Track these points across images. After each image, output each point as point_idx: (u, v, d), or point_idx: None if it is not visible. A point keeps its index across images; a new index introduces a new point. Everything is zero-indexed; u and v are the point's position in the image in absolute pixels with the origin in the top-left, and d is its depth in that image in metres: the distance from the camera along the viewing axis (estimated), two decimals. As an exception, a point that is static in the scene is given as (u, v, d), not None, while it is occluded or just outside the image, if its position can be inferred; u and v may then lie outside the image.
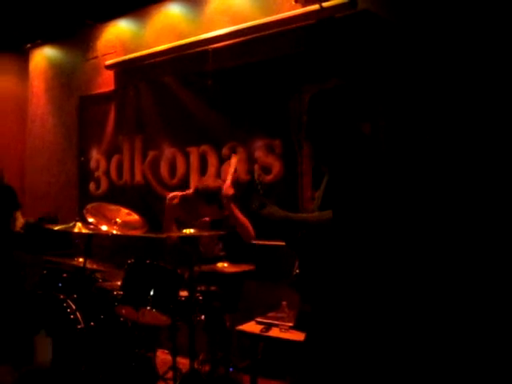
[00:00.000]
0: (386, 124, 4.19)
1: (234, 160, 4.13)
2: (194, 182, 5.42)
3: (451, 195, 3.85)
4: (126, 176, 6.19)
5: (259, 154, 4.98)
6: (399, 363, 2.46)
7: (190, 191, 4.29)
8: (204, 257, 4.08)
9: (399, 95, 4.16)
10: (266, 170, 4.88)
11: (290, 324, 3.93)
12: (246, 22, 5.04)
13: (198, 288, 3.87)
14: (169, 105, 5.76)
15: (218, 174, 5.26)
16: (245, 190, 3.55)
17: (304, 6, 4.58)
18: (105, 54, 6.46)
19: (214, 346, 4.03)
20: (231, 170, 3.99)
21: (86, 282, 4.24)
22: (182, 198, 4.24)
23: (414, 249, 3.74)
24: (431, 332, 3.70)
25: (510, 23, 3.70)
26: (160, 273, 3.75)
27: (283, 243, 2.61)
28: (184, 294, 3.75)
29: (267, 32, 4.91)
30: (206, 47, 5.35)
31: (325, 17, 4.49)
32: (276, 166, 4.86)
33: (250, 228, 4.01)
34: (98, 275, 4.49)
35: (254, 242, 4.10)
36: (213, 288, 3.99)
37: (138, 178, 6.07)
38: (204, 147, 5.41)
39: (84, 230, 4.15)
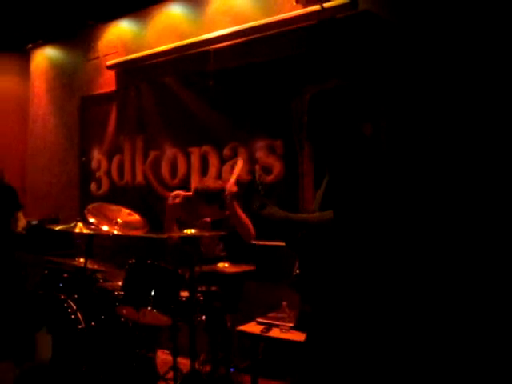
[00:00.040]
0: (388, 125, 4.19)
1: (239, 163, 4.13)
2: (195, 182, 5.42)
3: (452, 196, 3.84)
4: (127, 176, 6.19)
5: (260, 154, 4.98)
6: (399, 363, 2.46)
7: (191, 193, 4.30)
8: (205, 257, 4.08)
9: (401, 96, 4.15)
10: (267, 170, 4.88)
11: (291, 324, 3.93)
12: (247, 22, 5.04)
13: (199, 288, 3.87)
14: (170, 105, 5.77)
15: (219, 175, 5.26)
16: (245, 189, 3.53)
17: (305, 6, 4.58)
18: (106, 55, 6.46)
19: (214, 346, 4.03)
20: (236, 170, 3.97)
21: (87, 282, 4.24)
22: (185, 198, 4.24)
23: (414, 250, 3.74)
24: (432, 332, 3.70)
25: None
26: (161, 273, 3.76)
27: (283, 244, 2.61)
28: (185, 294, 3.75)
29: (268, 32, 4.92)
30: (208, 48, 5.36)
31: (326, 17, 4.49)
32: (277, 167, 4.86)
33: (251, 228, 4.01)
34: (99, 275, 4.49)
35: (255, 242, 4.11)
36: (213, 288, 4.00)
37: (139, 178, 6.07)
38: (205, 147, 5.41)
39: (85, 231, 4.15)
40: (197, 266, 3.70)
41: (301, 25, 4.70)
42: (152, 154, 5.94)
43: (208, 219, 4.32)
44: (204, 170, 5.43)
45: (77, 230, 4.13)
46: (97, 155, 6.54)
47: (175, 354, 3.96)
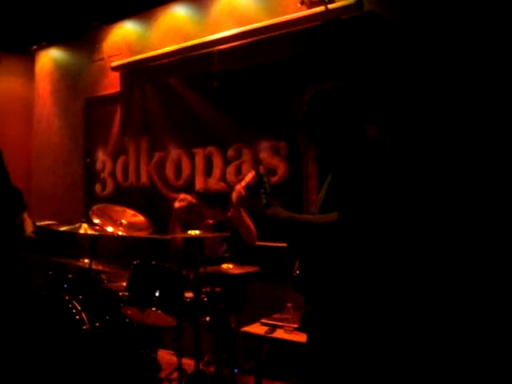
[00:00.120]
0: (393, 127, 4.19)
1: (252, 173, 4.12)
2: (199, 183, 5.43)
3: (456, 199, 3.84)
4: (132, 177, 6.20)
5: (264, 155, 4.98)
6: (400, 364, 2.46)
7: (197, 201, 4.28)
8: (208, 258, 4.08)
9: (406, 98, 4.15)
10: (271, 171, 4.88)
11: (295, 325, 3.93)
12: (251, 23, 5.04)
13: (203, 289, 3.88)
14: (174, 106, 5.77)
15: (224, 176, 5.27)
16: (251, 188, 3.53)
17: (309, 7, 4.58)
18: (111, 56, 6.48)
19: (218, 347, 4.03)
20: (249, 176, 3.93)
21: (92, 283, 4.25)
22: (190, 203, 4.24)
23: (418, 252, 3.73)
24: (433, 333, 3.70)
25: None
26: (165, 274, 3.76)
27: (286, 244, 2.61)
28: (189, 295, 3.75)
29: (273, 34, 4.92)
30: (212, 49, 5.36)
31: (330, 18, 4.49)
32: (281, 168, 4.86)
33: (254, 232, 4.02)
34: (104, 276, 4.50)
35: (259, 243, 4.11)
36: (218, 289, 4.00)
37: (144, 179, 6.08)
38: (210, 148, 5.42)
39: (90, 231, 4.16)
40: (201, 267, 3.70)
41: (305, 26, 4.69)
42: (156, 155, 5.95)
43: (210, 221, 4.32)
44: (208, 171, 5.43)
45: (82, 231, 4.14)
46: (101, 156, 6.55)
47: (180, 355, 3.96)
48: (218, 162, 5.35)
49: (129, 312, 3.82)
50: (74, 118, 6.99)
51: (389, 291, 2.41)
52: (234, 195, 3.90)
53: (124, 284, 3.90)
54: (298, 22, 4.72)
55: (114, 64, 6.31)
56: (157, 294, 3.62)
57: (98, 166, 6.58)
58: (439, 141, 3.96)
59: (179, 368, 3.95)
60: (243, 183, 3.78)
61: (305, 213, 2.73)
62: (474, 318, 3.64)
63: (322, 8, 4.44)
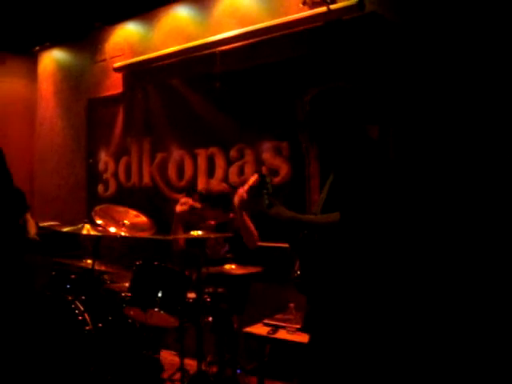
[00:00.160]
0: (395, 127, 4.19)
1: (254, 176, 4.12)
2: (201, 184, 5.43)
3: (458, 200, 3.83)
4: (134, 178, 6.21)
5: (267, 155, 4.99)
6: (402, 364, 2.46)
7: (198, 205, 4.28)
8: (210, 258, 4.09)
9: (408, 98, 4.15)
10: (274, 172, 4.88)
11: (298, 326, 3.93)
12: (253, 24, 5.04)
13: (206, 290, 3.88)
14: (177, 107, 5.78)
15: (226, 176, 5.27)
16: (254, 188, 3.52)
17: (311, 8, 4.58)
18: (113, 57, 6.49)
19: (221, 347, 4.03)
20: (252, 179, 3.93)
21: (95, 284, 4.26)
22: (191, 207, 4.24)
23: (420, 253, 3.73)
24: (436, 333, 3.70)
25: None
26: (168, 274, 3.77)
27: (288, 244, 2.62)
28: (192, 295, 3.76)
29: (275, 34, 4.92)
30: (214, 50, 5.37)
31: (332, 19, 4.49)
32: (284, 169, 4.86)
33: (255, 235, 4.02)
34: (106, 277, 4.51)
35: (262, 243, 4.11)
36: (220, 290, 4.00)
37: (146, 180, 6.09)
38: (212, 149, 5.42)
39: (92, 232, 4.17)
40: (203, 267, 3.71)
41: (307, 26, 4.70)
42: (159, 156, 5.96)
43: (212, 222, 4.32)
44: (211, 172, 5.44)
45: (84, 232, 4.15)
46: (104, 157, 6.56)
47: (182, 355, 3.97)
48: (220, 162, 5.35)
49: (131, 312, 3.83)
50: (77, 119, 7.00)
51: (391, 291, 2.41)
52: (236, 198, 3.90)
53: (127, 284, 3.91)
54: (299, 23, 4.72)
55: (117, 65, 6.32)
56: (159, 294, 3.63)
57: (101, 166, 6.59)
58: (441, 141, 3.95)
59: (182, 368, 3.96)
60: (246, 187, 3.78)
61: (307, 213, 2.73)
62: (476, 318, 3.64)
63: (323, 9, 4.44)
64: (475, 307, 3.66)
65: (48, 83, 7.46)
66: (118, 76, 6.44)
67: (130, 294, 3.76)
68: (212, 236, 4.09)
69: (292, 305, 4.17)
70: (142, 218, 4.44)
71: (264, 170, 4.95)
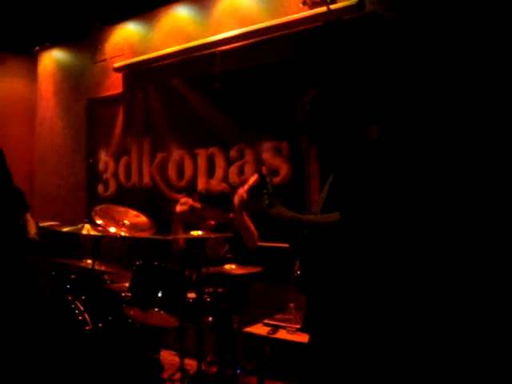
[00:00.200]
0: (395, 127, 4.19)
1: (254, 176, 4.11)
2: (201, 184, 5.43)
3: (458, 200, 3.83)
4: (135, 178, 6.21)
5: (267, 155, 4.99)
6: (403, 364, 2.46)
7: (198, 205, 4.27)
8: (210, 258, 4.09)
9: (408, 99, 4.15)
10: (274, 172, 4.88)
11: (298, 326, 3.93)
12: (253, 24, 5.04)
13: (206, 290, 3.88)
14: (177, 107, 5.78)
15: (226, 176, 5.27)
16: (254, 188, 3.52)
17: (311, 8, 4.58)
18: (113, 57, 6.49)
19: (221, 347, 4.03)
20: (251, 179, 3.93)
21: (95, 284, 4.26)
22: (191, 207, 4.24)
23: (420, 253, 3.73)
24: (436, 332, 3.70)
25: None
26: (168, 274, 3.77)
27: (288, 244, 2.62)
28: (192, 295, 3.76)
29: (274, 34, 4.92)
30: (214, 50, 5.37)
31: (332, 19, 4.49)
32: (284, 169, 4.86)
33: (255, 235, 4.02)
34: (106, 277, 4.51)
35: (262, 243, 4.11)
36: (220, 290, 4.00)
37: (146, 180, 6.09)
38: (212, 149, 5.43)
39: (92, 232, 4.17)
40: (203, 267, 3.71)
41: (307, 26, 4.70)
42: (159, 156, 5.96)
43: (212, 222, 4.32)
44: (211, 172, 5.44)
45: (84, 232, 4.15)
46: (104, 157, 6.56)
47: (182, 356, 3.97)
48: (220, 162, 5.36)
49: (131, 312, 3.83)
50: (77, 119, 7.00)
51: (391, 292, 2.41)
52: (236, 199, 3.90)
53: (127, 284, 3.91)
54: (299, 23, 4.72)
55: (117, 65, 6.32)
56: (159, 294, 3.63)
57: (101, 166, 6.59)
58: (441, 141, 3.95)
59: (182, 368, 3.96)
60: (246, 187, 3.78)
61: (307, 213, 2.73)
62: (478, 319, 3.64)
63: (323, 9, 4.44)
64: (475, 307, 3.66)
65: (48, 83, 7.46)
66: (118, 76, 6.45)
67: (129, 294, 3.76)
68: (212, 236, 4.09)
69: (292, 305, 4.18)
70: (142, 218, 4.44)
71: (264, 170, 4.95)
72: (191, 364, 3.96)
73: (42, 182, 7.45)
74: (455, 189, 3.85)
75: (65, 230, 4.36)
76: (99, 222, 4.31)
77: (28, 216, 4.48)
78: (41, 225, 4.75)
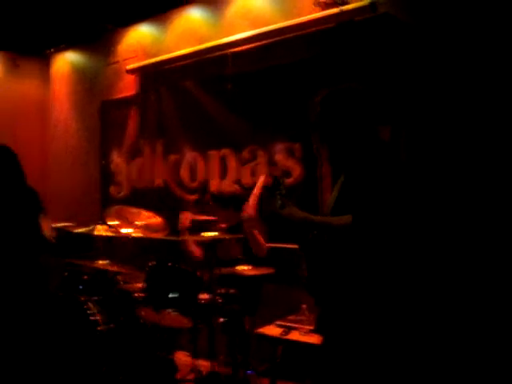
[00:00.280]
0: (407, 128, 4.17)
1: (261, 179, 4.11)
2: (213, 185, 5.44)
3: (471, 202, 3.81)
4: (147, 179, 6.23)
5: (279, 157, 4.99)
6: (413, 365, 2.45)
7: (199, 217, 4.29)
8: (221, 259, 4.09)
9: (420, 99, 4.13)
10: (286, 173, 4.87)
11: (310, 327, 3.92)
12: (266, 25, 5.05)
13: (218, 291, 3.89)
14: (189, 109, 5.79)
15: (238, 178, 5.27)
16: (267, 189, 3.52)
17: (324, 9, 4.58)
18: (126, 59, 6.51)
19: (233, 348, 4.04)
20: (256, 191, 3.94)
21: (108, 284, 4.28)
22: (192, 220, 4.26)
23: (431, 255, 3.72)
24: (446, 335, 3.68)
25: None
26: (181, 275, 3.78)
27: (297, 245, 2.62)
28: (204, 296, 3.77)
29: (287, 36, 4.92)
30: (226, 51, 5.37)
31: (344, 20, 4.49)
32: (296, 170, 4.86)
33: (264, 246, 4.03)
34: (120, 277, 4.52)
35: (274, 245, 4.11)
36: (232, 291, 4.01)
37: (159, 181, 6.11)
38: (224, 151, 5.43)
39: (105, 233, 4.19)
40: (216, 268, 3.72)
41: (319, 27, 4.70)
42: (172, 158, 5.97)
43: (223, 225, 4.32)
44: (223, 173, 5.45)
45: (98, 233, 4.17)
46: (117, 158, 6.59)
47: (195, 356, 3.98)
48: (232, 164, 5.36)
49: (144, 313, 3.84)
50: (91, 121, 7.03)
51: (402, 294, 2.40)
52: (244, 217, 3.91)
53: (140, 285, 3.93)
54: (312, 24, 4.72)
55: (130, 67, 6.35)
56: (173, 295, 3.64)
57: (114, 168, 6.62)
58: (453, 143, 3.93)
59: (195, 369, 3.97)
60: (251, 201, 3.77)
61: (320, 214, 2.73)
62: (490, 324, 3.62)
63: (336, 10, 4.44)
64: (488, 312, 3.64)
65: (61, 85, 7.51)
66: (131, 78, 6.47)
67: (142, 295, 3.78)
68: (225, 237, 4.10)
69: (304, 306, 4.17)
70: (156, 219, 4.45)
71: (276, 171, 4.94)
72: (204, 365, 3.97)
73: (56, 183, 7.49)
74: (467, 190, 3.83)
75: (79, 231, 4.38)
76: (113, 223, 4.33)
77: (43, 217, 4.51)
78: (55, 226, 4.77)
